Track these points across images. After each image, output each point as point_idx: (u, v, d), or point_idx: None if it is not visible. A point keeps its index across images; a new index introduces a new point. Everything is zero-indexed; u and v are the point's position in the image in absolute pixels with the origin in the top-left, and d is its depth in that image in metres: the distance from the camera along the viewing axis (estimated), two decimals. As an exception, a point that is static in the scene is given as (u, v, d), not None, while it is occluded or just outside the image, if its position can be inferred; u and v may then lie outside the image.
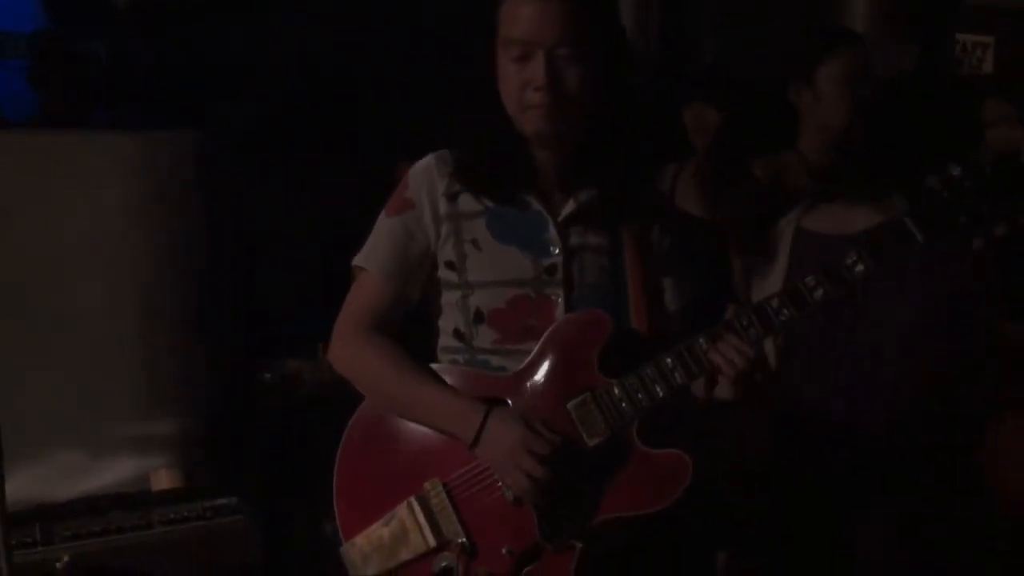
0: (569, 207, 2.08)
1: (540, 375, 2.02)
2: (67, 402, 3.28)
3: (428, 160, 2.15)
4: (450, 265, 2.09)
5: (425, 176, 2.13)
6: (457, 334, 2.11)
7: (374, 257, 2.13)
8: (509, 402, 2.03)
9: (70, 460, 3.29)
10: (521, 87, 2.00)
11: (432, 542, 2.03)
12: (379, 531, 2.07)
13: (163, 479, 3.29)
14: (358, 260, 2.16)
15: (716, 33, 4.93)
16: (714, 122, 3.63)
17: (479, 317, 2.07)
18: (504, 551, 1.98)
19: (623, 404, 1.97)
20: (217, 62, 3.97)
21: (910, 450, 2.50)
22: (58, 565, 2.85)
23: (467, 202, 2.09)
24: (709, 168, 3.54)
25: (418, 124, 4.01)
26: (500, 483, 2.00)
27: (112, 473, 3.32)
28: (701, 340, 1.96)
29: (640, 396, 1.97)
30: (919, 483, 2.49)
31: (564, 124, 2.02)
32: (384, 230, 2.14)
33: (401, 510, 2.05)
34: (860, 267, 1.95)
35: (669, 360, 1.96)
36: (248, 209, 3.65)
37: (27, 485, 3.14)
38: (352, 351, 2.14)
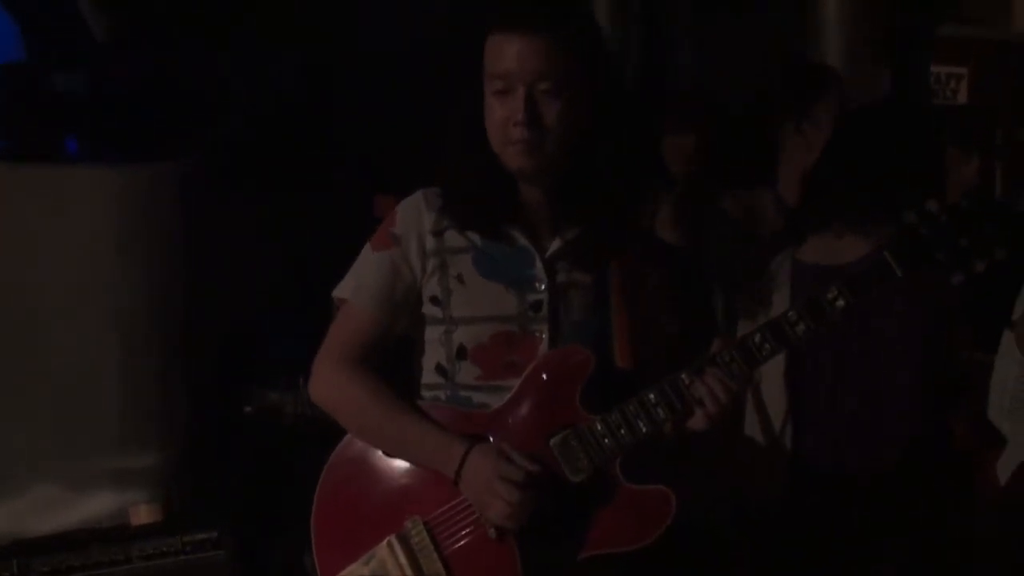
0: (556, 244, 2.09)
1: (521, 411, 2.02)
2: (45, 436, 3.27)
3: (416, 196, 2.15)
4: (434, 300, 2.09)
5: (413, 212, 2.13)
6: (439, 369, 2.10)
7: (359, 290, 2.13)
8: (490, 437, 2.02)
9: (48, 494, 3.27)
10: (503, 122, 2.01)
11: (413, 581, 2.02)
12: (359, 570, 2.05)
13: (143, 514, 3.27)
14: (342, 292, 2.15)
15: (693, 60, 4.96)
16: (693, 151, 3.64)
17: (461, 353, 2.07)
18: None
19: (605, 440, 1.97)
20: (196, 93, 3.97)
21: (903, 486, 2.53)
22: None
23: (453, 238, 2.10)
24: (688, 198, 3.57)
25: (395, 157, 4.03)
26: (481, 519, 1.99)
27: (91, 507, 3.30)
28: (684, 376, 1.97)
29: (623, 432, 1.97)
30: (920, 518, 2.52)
31: (545, 160, 2.02)
32: (370, 264, 2.13)
33: (381, 549, 2.03)
34: (841, 302, 1.96)
35: (652, 396, 1.97)
36: (227, 241, 3.64)
37: (5, 519, 3.14)
38: (335, 384, 2.13)
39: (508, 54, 1.99)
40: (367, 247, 2.15)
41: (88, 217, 3.35)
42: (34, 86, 3.66)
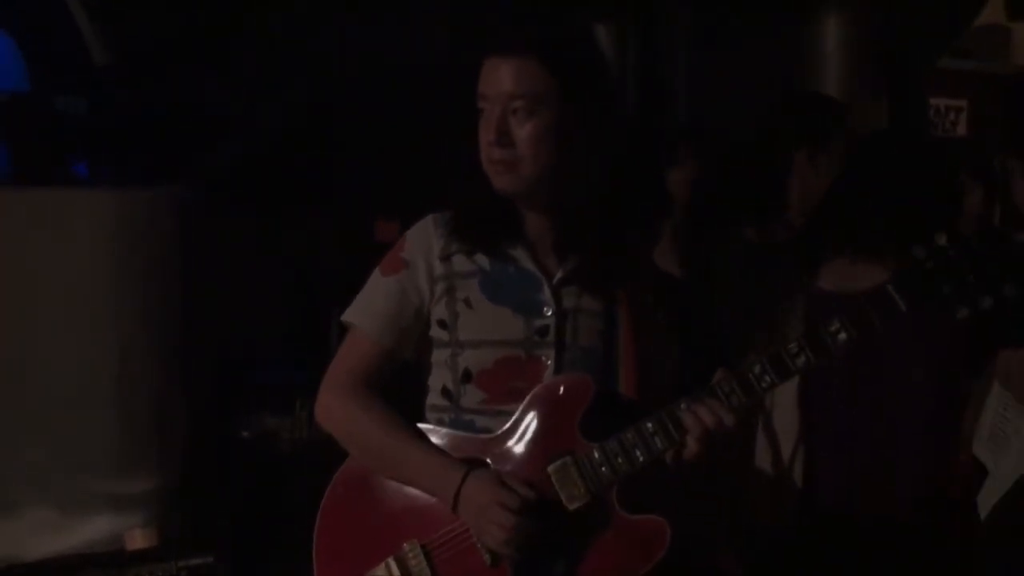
0: (565, 268, 2.09)
1: (521, 437, 2.02)
2: (42, 459, 3.26)
3: (426, 221, 2.16)
4: (442, 324, 2.10)
5: (421, 236, 2.14)
6: (445, 392, 2.10)
7: (367, 315, 2.13)
8: (490, 462, 2.02)
9: (44, 518, 3.25)
10: (484, 144, 2.03)
11: (409, 605, 2.01)
12: (358, 592, 2.05)
13: (138, 538, 3.25)
14: (350, 316, 2.15)
15: (693, 90, 4.98)
16: (696, 181, 3.65)
17: (467, 376, 2.07)
18: None
19: (603, 468, 1.97)
20: (195, 117, 3.99)
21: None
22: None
23: (461, 262, 2.10)
24: (691, 228, 3.58)
25: (396, 181, 4.05)
26: (478, 544, 1.98)
27: (87, 532, 3.28)
28: (683, 405, 1.96)
29: (620, 460, 1.96)
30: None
31: (523, 180, 2.02)
32: (379, 288, 2.14)
33: (379, 571, 2.03)
34: (843, 335, 1.93)
35: (650, 425, 1.96)
36: (225, 265, 3.65)
37: (1, 542, 3.11)
38: (339, 408, 2.13)
39: (486, 76, 2.02)
40: (376, 272, 2.16)
41: (87, 240, 3.34)
42: (38, 111, 3.68)
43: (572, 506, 1.97)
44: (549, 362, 2.05)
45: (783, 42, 4.40)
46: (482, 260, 2.10)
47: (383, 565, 2.03)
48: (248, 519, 3.41)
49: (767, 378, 1.95)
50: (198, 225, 3.52)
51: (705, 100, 4.79)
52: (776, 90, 4.33)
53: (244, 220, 3.81)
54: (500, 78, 1.99)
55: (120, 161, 3.90)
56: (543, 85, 1.99)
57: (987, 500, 2.55)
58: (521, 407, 2.02)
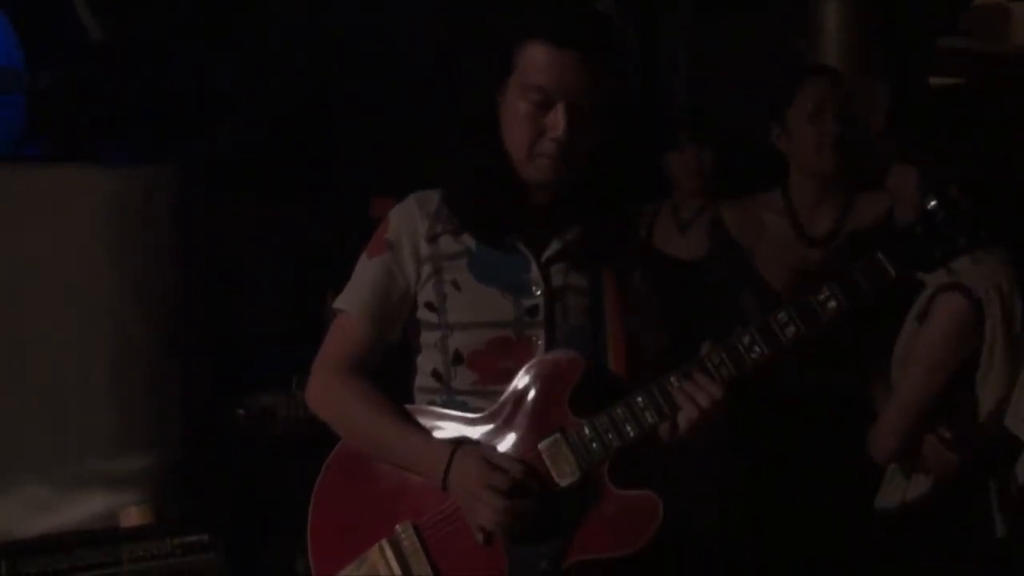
0: (553, 247, 2.08)
1: (512, 415, 2.02)
2: (36, 436, 3.25)
3: (409, 201, 2.15)
4: (430, 306, 2.09)
5: (406, 217, 2.12)
6: (435, 374, 2.10)
7: (354, 298, 2.12)
8: (480, 440, 2.02)
9: (39, 495, 3.24)
10: (535, 134, 2.00)
11: (402, 586, 2.01)
12: (352, 573, 2.05)
13: (133, 516, 3.25)
14: (338, 303, 2.15)
15: (689, 74, 4.96)
16: (709, 164, 3.64)
17: (458, 358, 2.07)
18: None
19: (593, 444, 1.97)
20: (191, 96, 3.97)
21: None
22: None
23: (448, 243, 2.09)
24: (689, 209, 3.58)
25: (391, 160, 4.03)
26: (469, 523, 1.98)
27: (81, 509, 3.28)
28: (672, 379, 1.96)
29: (610, 436, 1.96)
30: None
31: (568, 173, 2.02)
32: (365, 272, 2.13)
33: (373, 553, 2.04)
34: (832, 303, 1.92)
35: (640, 399, 1.96)
36: (222, 244, 3.64)
37: (-6, 520, 3.12)
38: (329, 392, 2.13)
39: (549, 66, 1.97)
40: (363, 255, 2.15)
41: (82, 218, 3.33)
42: (32, 87, 3.66)
43: (563, 483, 1.97)
44: (540, 342, 2.05)
45: (783, 21, 4.37)
46: (469, 240, 2.09)
47: (376, 547, 2.03)
48: (244, 497, 3.41)
49: (756, 349, 1.94)
50: (195, 204, 3.51)
51: (704, 81, 4.76)
52: (776, 69, 4.31)
53: (241, 198, 3.79)
54: (568, 72, 1.97)
55: (115, 139, 3.89)
56: (603, 83, 1.99)
57: None
58: (512, 385, 2.02)
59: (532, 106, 1.99)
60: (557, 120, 1.97)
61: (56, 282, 3.30)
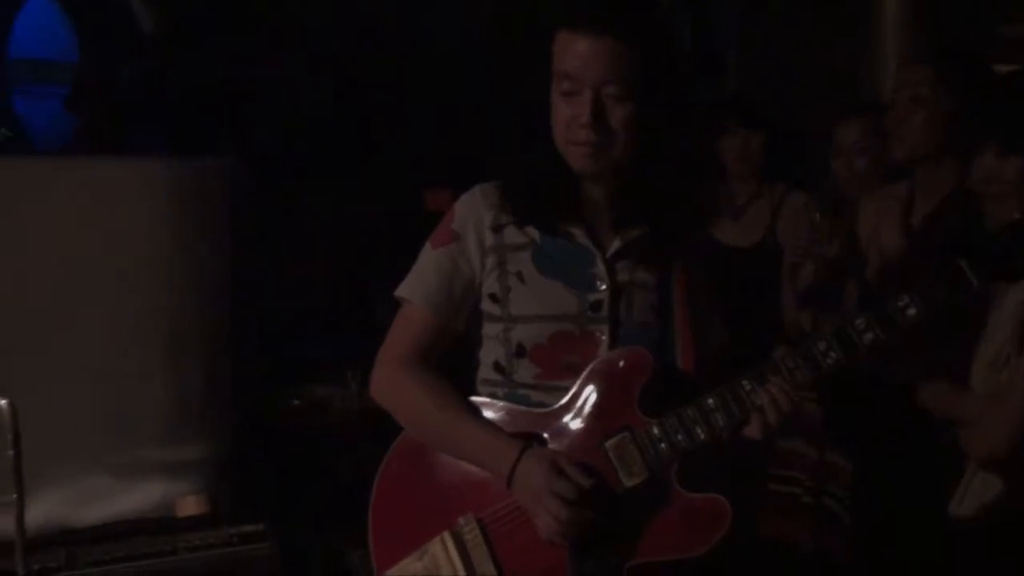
0: (618, 243, 2.05)
1: (578, 412, 1.99)
2: (93, 426, 3.28)
3: (474, 192, 2.13)
4: (493, 297, 2.07)
5: (471, 208, 2.10)
6: (497, 367, 2.08)
7: (419, 289, 2.10)
8: (546, 436, 2.00)
9: (96, 484, 3.27)
10: (568, 122, 1.97)
11: (464, 579, 1.99)
12: (412, 565, 2.04)
13: (189, 505, 3.27)
14: (402, 291, 2.13)
15: (742, 59, 4.91)
16: (760, 150, 3.60)
17: (520, 351, 2.05)
18: None
19: (661, 445, 1.94)
20: (243, 88, 3.98)
21: None
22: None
23: (513, 234, 2.07)
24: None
25: (445, 150, 4.02)
26: (533, 522, 1.96)
27: (138, 498, 3.31)
28: (744, 382, 1.93)
29: (680, 437, 1.93)
30: None
31: (608, 162, 1.98)
32: (429, 262, 2.11)
33: (434, 545, 2.02)
34: (912, 311, 1.88)
35: (711, 401, 1.93)
36: (275, 235, 3.65)
37: (53, 509, 3.14)
38: (393, 383, 2.11)
39: (575, 54, 1.95)
40: (427, 244, 2.13)
41: (137, 210, 3.35)
42: (98, 81, 3.70)
43: (629, 483, 1.95)
44: (603, 337, 2.02)
45: (838, 8, 4.31)
46: (534, 232, 2.07)
47: (438, 539, 2.02)
48: (298, 488, 3.42)
49: (832, 355, 1.90)
50: (248, 196, 3.52)
51: (756, 68, 4.71)
52: (830, 58, 4.26)
53: (293, 190, 3.80)
54: (592, 60, 1.93)
55: (170, 134, 3.91)
56: (634, 68, 1.94)
57: None
58: (579, 381, 2.00)
59: (564, 94, 1.97)
60: (582, 107, 1.94)
61: (111, 273, 3.32)
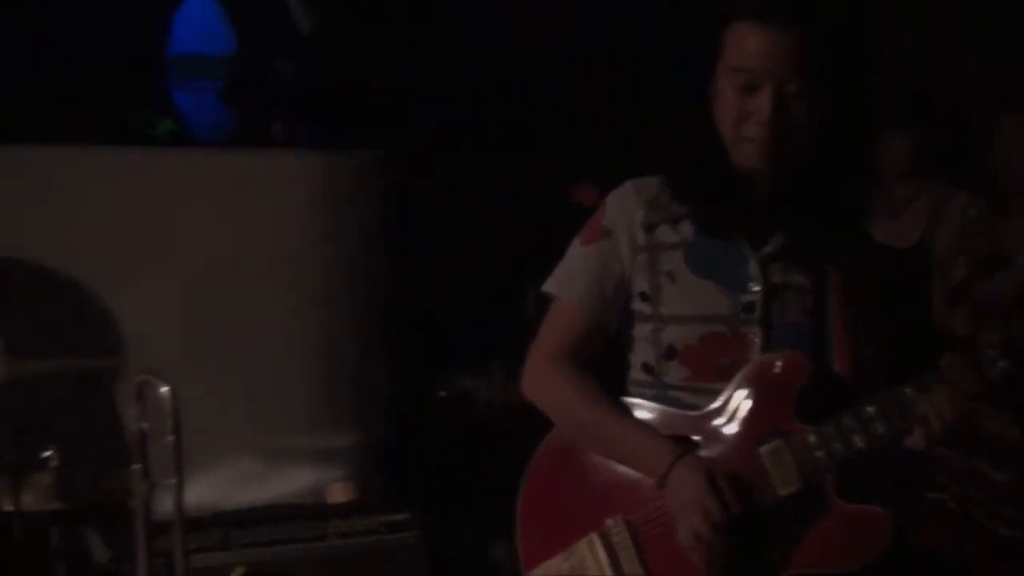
0: (774, 243, 1.99)
1: (732, 416, 1.95)
2: (249, 412, 3.38)
3: (626, 188, 2.08)
4: (643, 297, 2.03)
5: (622, 204, 2.06)
6: (647, 368, 2.05)
7: (569, 286, 2.08)
8: (697, 440, 1.96)
9: (250, 468, 3.37)
10: (741, 119, 1.91)
11: (612, 582, 1.97)
12: (559, 564, 2.02)
13: (338, 492, 3.34)
14: (550, 287, 2.11)
15: (905, 54, 4.75)
16: (916, 147, 3.48)
17: (671, 353, 2.01)
18: None
19: (818, 453, 1.87)
20: (396, 81, 4.03)
21: None
22: (232, 576, 2.92)
23: (665, 233, 2.03)
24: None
25: (593, 144, 4.00)
26: None
27: (288, 483, 3.40)
28: (907, 390, 1.85)
29: (837, 446, 1.87)
30: None
31: (780, 161, 1.92)
32: (579, 259, 2.08)
33: (582, 545, 2.00)
34: None
35: (871, 409, 1.86)
36: (425, 227, 3.68)
37: (208, 491, 3.25)
38: (544, 381, 2.09)
39: (754, 48, 1.87)
40: (576, 241, 2.10)
41: (294, 201, 3.43)
42: (255, 74, 3.79)
43: (783, 492, 1.89)
44: (756, 340, 1.97)
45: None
46: (687, 231, 2.02)
47: (586, 540, 1.99)
48: (444, 477, 3.45)
49: (1001, 364, 1.81)
50: (400, 189, 3.56)
51: (919, 61, 4.55)
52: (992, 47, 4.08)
53: (443, 183, 3.82)
54: (775, 54, 1.86)
55: (324, 127, 3.98)
56: (818, 63, 1.87)
57: None
58: (732, 385, 1.95)
59: (738, 90, 1.90)
60: (762, 104, 1.87)
61: (267, 263, 3.41)
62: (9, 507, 2.47)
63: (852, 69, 1.95)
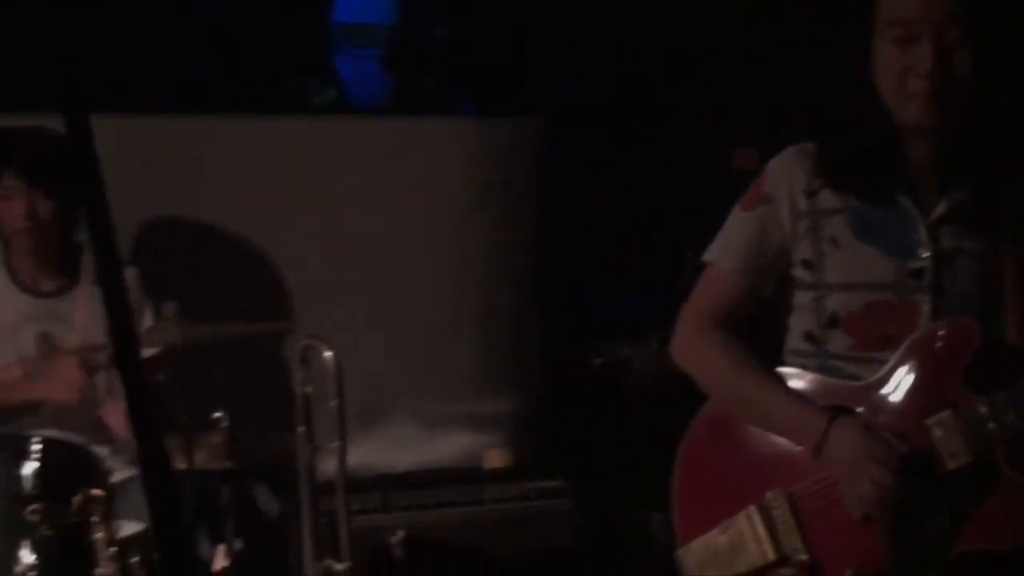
0: (943, 206, 1.92)
1: (898, 386, 1.89)
2: (406, 377, 3.44)
3: (788, 152, 2.04)
4: (806, 264, 1.99)
5: (784, 170, 2.02)
6: (808, 337, 2.00)
7: (726, 252, 2.05)
8: (860, 411, 1.90)
9: (409, 433, 3.44)
10: (902, 73, 1.84)
11: (771, 556, 1.93)
12: (717, 538, 1.99)
13: (495, 457, 3.38)
14: (709, 254, 2.08)
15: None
16: None
17: (833, 321, 1.96)
18: (848, 573, 1.87)
19: (990, 425, 1.80)
20: (550, 46, 4.01)
21: None
22: (393, 539, 2.97)
23: (828, 198, 1.97)
24: None
25: (752, 107, 3.91)
26: (845, 499, 1.88)
27: (446, 448, 3.45)
28: None
29: (1010, 417, 1.79)
30: None
31: (946, 114, 1.85)
32: (737, 224, 2.05)
33: (741, 519, 1.97)
34: None
35: None
36: (579, 194, 3.67)
37: (370, 454, 3.32)
38: (696, 348, 2.07)
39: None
40: (736, 207, 2.07)
41: (451, 168, 3.46)
42: (414, 41, 3.82)
43: (952, 464, 1.82)
44: (924, 308, 1.90)
45: None
46: (851, 195, 1.96)
47: (744, 514, 1.96)
48: (599, 446, 3.45)
49: None
50: (555, 155, 3.55)
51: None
52: None
53: (599, 148, 3.80)
54: (929, 2, 1.81)
55: (482, 91, 4.00)
56: (982, 10, 1.81)
57: None
58: (898, 354, 1.89)
59: (896, 44, 1.83)
60: (923, 55, 1.80)
61: (424, 230, 3.46)
62: (182, 465, 2.56)
63: (1013, 15, 1.86)
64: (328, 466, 2.62)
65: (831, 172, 1.97)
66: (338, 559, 2.62)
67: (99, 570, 2.10)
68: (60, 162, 2.72)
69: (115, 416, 2.86)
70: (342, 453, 2.59)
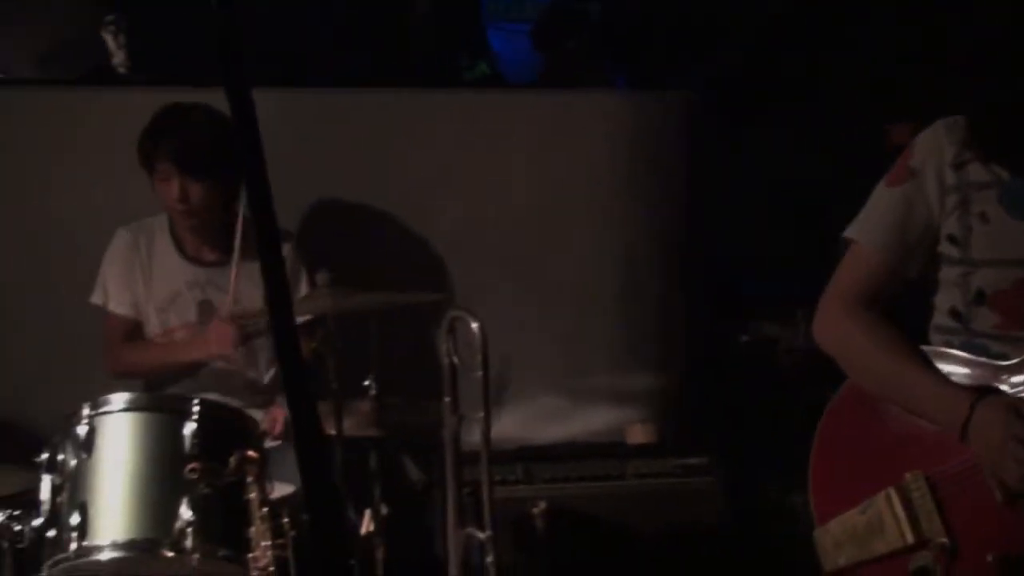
0: None
1: None
2: (551, 350, 3.47)
3: (936, 126, 1.99)
4: (952, 239, 1.94)
5: (932, 144, 1.97)
6: (953, 314, 1.95)
7: (870, 229, 2.01)
8: (1006, 391, 1.85)
9: (554, 406, 3.47)
10: None
11: (910, 538, 1.89)
12: (854, 519, 1.97)
13: (638, 433, 3.38)
14: (851, 232, 2.05)
15: None
16: None
17: (980, 298, 1.91)
18: (989, 558, 1.82)
19: None
20: (699, 21, 3.97)
21: None
22: (535, 510, 3.01)
23: (977, 172, 1.92)
24: None
25: (905, 85, 3.79)
26: (989, 480, 1.83)
27: (590, 421, 3.47)
28: None
29: None
30: None
31: None
32: (882, 200, 2.01)
33: (879, 500, 1.93)
34: None
35: None
36: (731, 171, 3.62)
37: (514, 426, 3.37)
38: (837, 327, 2.04)
39: None
40: (881, 183, 2.03)
41: (598, 142, 3.46)
42: (567, 13, 3.83)
43: None
44: None
45: None
46: (1001, 170, 1.91)
47: (883, 495, 1.93)
48: (743, 424, 3.42)
49: None
50: (705, 130, 3.52)
51: None
52: None
53: (750, 124, 3.75)
54: None
55: (632, 65, 3.98)
56: None
57: None
58: None
59: None
60: None
61: (574, 204, 3.47)
62: (332, 431, 2.63)
63: None
64: (473, 436, 2.65)
65: (984, 143, 1.91)
66: (480, 528, 2.66)
67: (252, 528, 2.18)
68: (214, 144, 2.83)
69: (275, 417, 2.97)
70: (487, 423, 2.62)
